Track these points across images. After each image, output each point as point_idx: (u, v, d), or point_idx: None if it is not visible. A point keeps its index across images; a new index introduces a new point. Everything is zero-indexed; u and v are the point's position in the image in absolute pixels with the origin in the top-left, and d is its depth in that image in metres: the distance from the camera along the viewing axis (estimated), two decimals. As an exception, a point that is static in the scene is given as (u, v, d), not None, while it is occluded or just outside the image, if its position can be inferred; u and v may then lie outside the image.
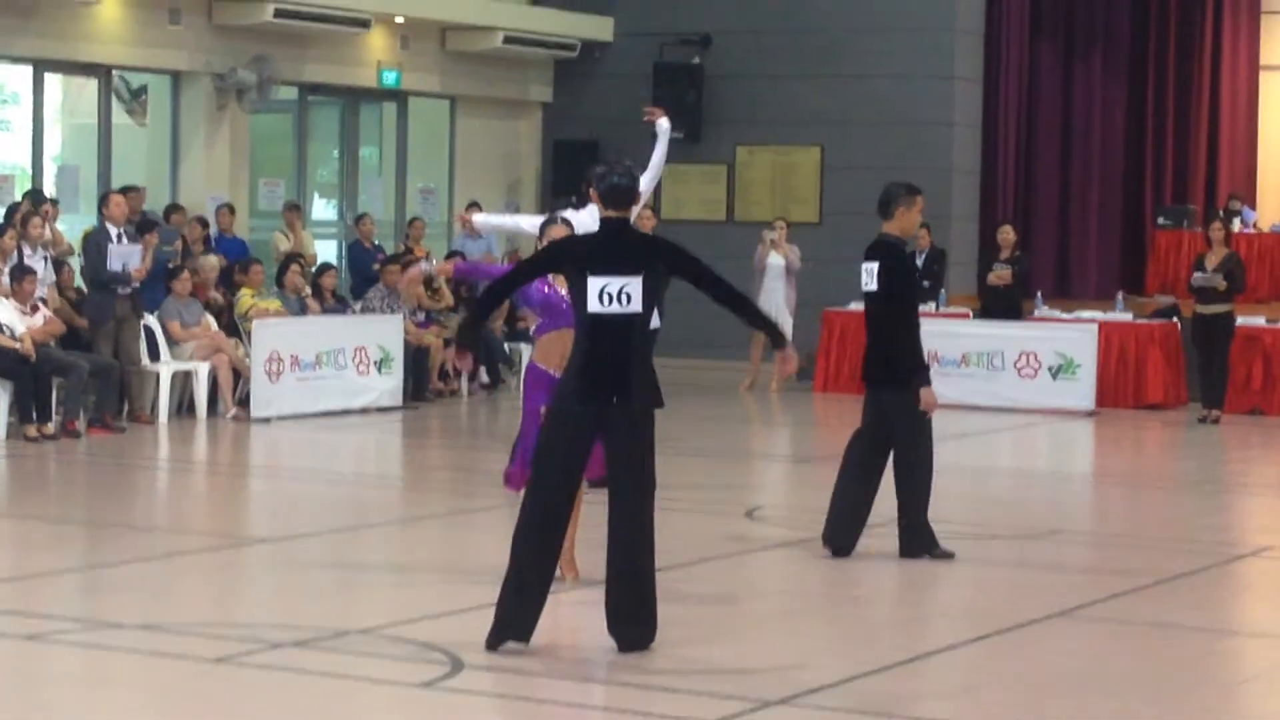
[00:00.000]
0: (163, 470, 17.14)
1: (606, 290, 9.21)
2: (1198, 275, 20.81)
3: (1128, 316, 22.87)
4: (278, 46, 23.17)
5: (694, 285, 9.56)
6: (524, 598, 9.40)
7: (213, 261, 20.89)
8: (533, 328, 11.07)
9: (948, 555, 12.24)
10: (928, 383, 12.18)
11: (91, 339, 18.62)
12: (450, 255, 23.86)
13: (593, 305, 9.24)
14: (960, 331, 22.57)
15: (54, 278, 19.00)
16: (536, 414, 10.90)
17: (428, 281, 22.68)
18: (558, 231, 11.12)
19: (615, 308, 9.22)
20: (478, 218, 16.17)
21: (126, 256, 18.56)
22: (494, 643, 9.42)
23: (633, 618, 9.50)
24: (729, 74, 26.40)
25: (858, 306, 23.87)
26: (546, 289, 10.86)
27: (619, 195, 9.48)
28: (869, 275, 12.22)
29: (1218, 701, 9.19)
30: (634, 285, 9.24)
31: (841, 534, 12.35)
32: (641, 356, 9.39)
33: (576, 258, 9.42)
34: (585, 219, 13.70)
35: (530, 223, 15.14)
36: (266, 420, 19.25)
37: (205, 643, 9.59)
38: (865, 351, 12.52)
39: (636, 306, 9.25)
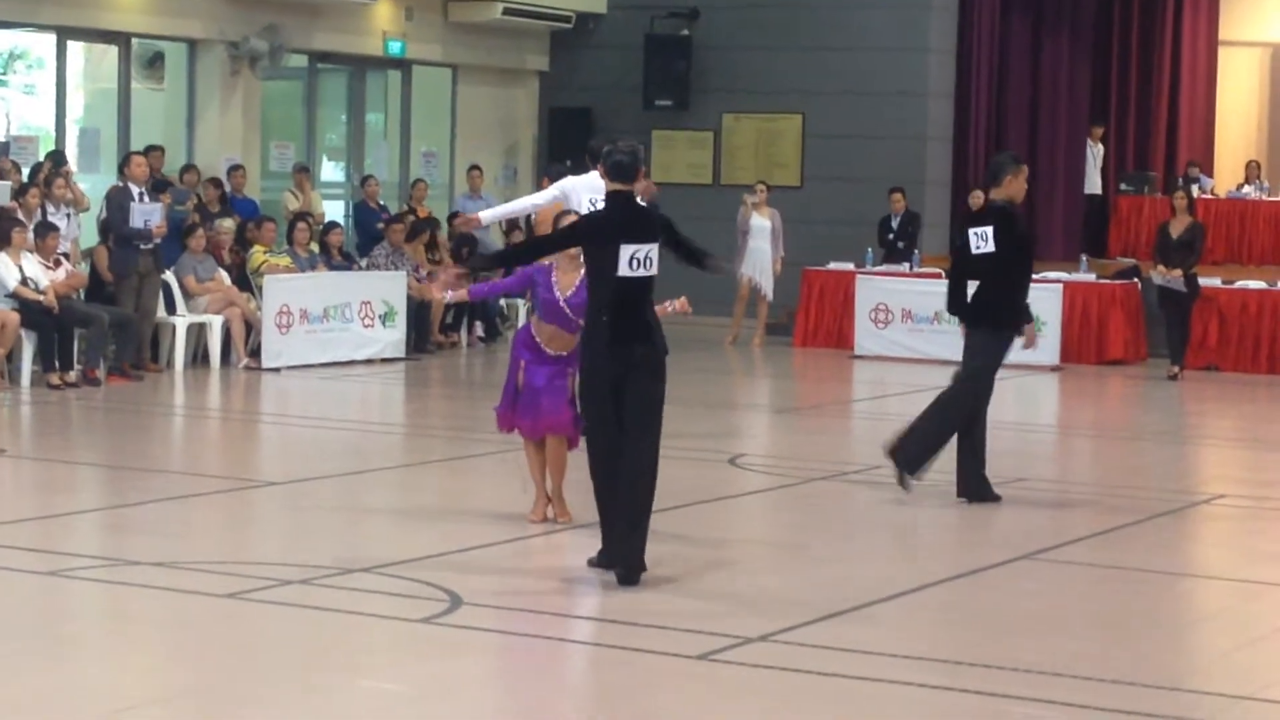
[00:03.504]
0: (178, 417, 17.13)
1: (635, 256, 9.72)
2: (1160, 275, 20.83)
3: (1091, 277, 22.87)
4: (289, 16, 23.08)
5: (673, 250, 10.12)
6: (614, 532, 9.81)
7: (228, 224, 20.85)
8: (536, 313, 11.11)
9: (908, 489, 12.34)
10: (1030, 319, 12.60)
11: (115, 292, 18.59)
12: (453, 215, 23.82)
13: (623, 270, 9.72)
14: (933, 290, 22.45)
15: (77, 234, 18.97)
16: (517, 364, 11.13)
17: (429, 245, 22.67)
18: (569, 221, 11.14)
19: (640, 271, 9.76)
20: (484, 214, 16.07)
21: (148, 214, 18.53)
22: (624, 577, 9.68)
23: (631, 551, 9.72)
24: (716, 45, 26.33)
25: (836, 266, 23.93)
26: (549, 294, 10.88)
27: (622, 170, 9.88)
28: (982, 239, 12.38)
29: (1173, 640, 9.22)
30: (654, 251, 9.83)
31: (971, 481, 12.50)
32: (653, 310, 9.97)
33: (603, 232, 9.85)
34: (585, 183, 13.76)
35: (532, 202, 15.26)
36: (277, 370, 19.24)
37: (218, 579, 9.60)
38: (972, 300, 12.58)
39: (654, 269, 9.85)
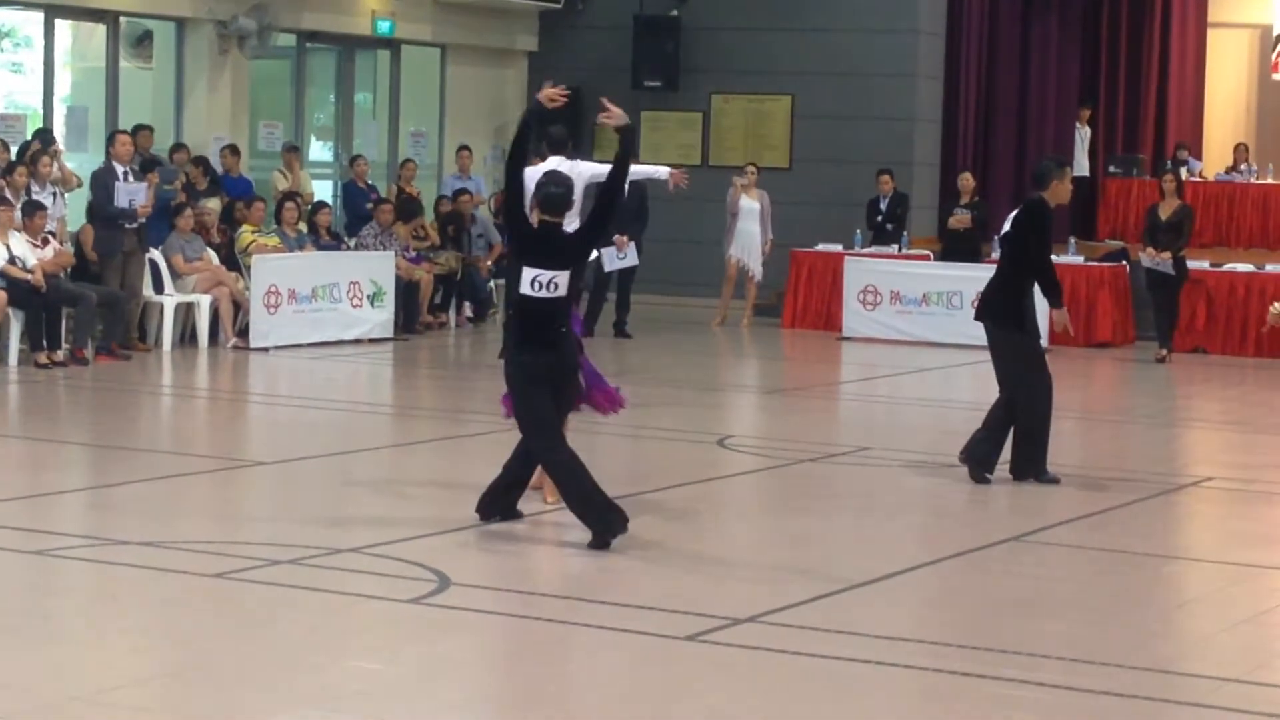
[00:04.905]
0: (166, 396, 17.10)
1: (538, 279, 10.11)
2: (1148, 257, 20.85)
3: (1079, 259, 22.86)
4: (277, -5, 23.03)
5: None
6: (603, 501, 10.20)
7: (213, 204, 20.82)
8: None
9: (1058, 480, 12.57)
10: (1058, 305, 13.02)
11: (100, 271, 18.55)
12: (457, 194, 23.71)
13: (524, 288, 10.15)
14: (922, 272, 22.56)
15: (64, 213, 18.93)
16: None
17: (418, 227, 22.63)
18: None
19: (542, 293, 10.15)
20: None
21: (133, 193, 18.49)
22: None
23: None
24: (705, 26, 26.28)
25: (825, 247, 23.93)
26: None
27: (553, 203, 10.31)
28: (1008, 222, 12.74)
29: (1159, 622, 9.23)
30: (560, 278, 10.15)
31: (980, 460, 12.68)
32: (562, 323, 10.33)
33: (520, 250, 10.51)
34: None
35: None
36: (265, 350, 19.21)
37: (206, 559, 9.58)
38: (985, 294, 12.96)
39: (560, 292, 10.18)
